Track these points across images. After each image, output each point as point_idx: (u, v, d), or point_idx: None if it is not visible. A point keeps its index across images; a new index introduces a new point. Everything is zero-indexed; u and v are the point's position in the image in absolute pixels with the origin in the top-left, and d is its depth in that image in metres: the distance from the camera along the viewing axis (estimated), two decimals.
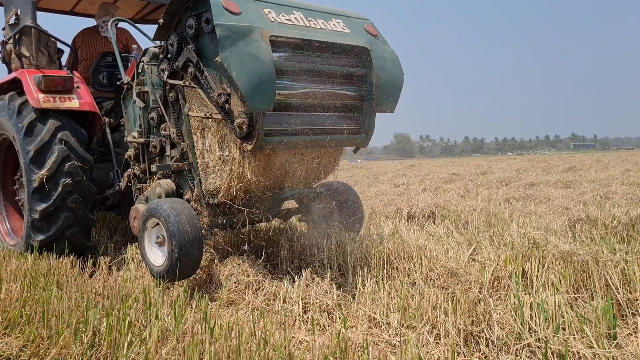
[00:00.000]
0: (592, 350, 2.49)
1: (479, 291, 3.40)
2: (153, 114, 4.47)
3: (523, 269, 3.67)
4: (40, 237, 4.86)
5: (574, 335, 2.70)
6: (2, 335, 3.07)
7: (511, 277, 3.55)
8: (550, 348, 2.55)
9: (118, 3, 6.25)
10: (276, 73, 3.54)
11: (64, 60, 6.08)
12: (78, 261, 4.85)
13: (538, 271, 3.60)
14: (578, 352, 2.50)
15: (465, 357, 2.72)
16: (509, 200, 8.82)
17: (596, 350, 2.49)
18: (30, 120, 4.85)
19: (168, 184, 4.33)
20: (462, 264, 3.88)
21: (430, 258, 3.89)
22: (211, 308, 3.53)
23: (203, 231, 4.02)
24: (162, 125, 4.42)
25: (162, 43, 4.21)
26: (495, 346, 2.74)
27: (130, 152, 4.80)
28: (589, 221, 5.60)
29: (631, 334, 2.81)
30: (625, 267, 3.40)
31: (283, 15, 3.89)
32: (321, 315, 3.38)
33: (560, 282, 3.43)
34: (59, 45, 5.74)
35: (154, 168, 4.50)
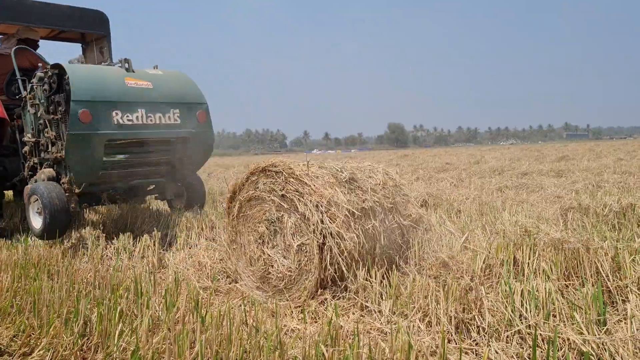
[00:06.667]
0: (582, 337, 2.49)
1: (470, 279, 3.40)
2: (41, 121, 5.86)
3: (514, 257, 3.68)
4: None
5: (564, 321, 2.71)
6: None
7: (502, 265, 3.56)
8: (540, 334, 2.56)
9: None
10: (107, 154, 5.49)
11: None
12: (69, 251, 4.84)
13: (529, 259, 3.61)
14: (568, 339, 2.51)
15: (456, 344, 2.72)
16: (502, 189, 8.84)
17: (586, 336, 2.50)
18: None
19: (50, 171, 5.79)
20: (454, 252, 3.89)
21: (422, 246, 3.90)
22: (202, 297, 3.53)
23: (73, 205, 5.57)
24: (46, 130, 5.77)
25: (48, 69, 5.67)
26: (486, 333, 2.75)
27: (27, 148, 6.21)
28: (580, 209, 5.62)
29: (621, 321, 2.81)
30: (616, 254, 3.41)
31: (127, 116, 5.53)
32: (312, 304, 3.38)
33: (551, 269, 3.44)
34: None
35: (40, 160, 6.02)
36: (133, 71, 5.95)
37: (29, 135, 6.09)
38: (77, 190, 5.56)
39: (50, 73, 5.61)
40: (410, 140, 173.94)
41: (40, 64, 6.74)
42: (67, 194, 5.53)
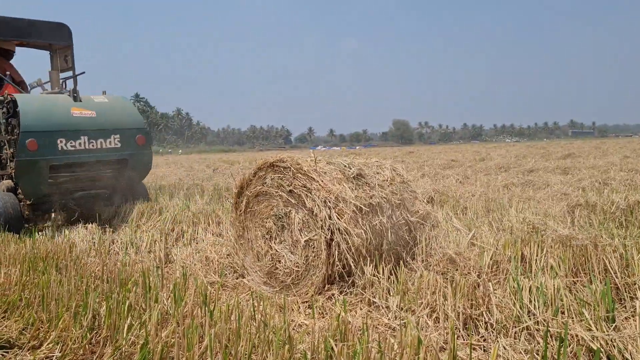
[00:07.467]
0: (591, 333, 2.49)
1: (477, 275, 3.40)
2: (1, 138, 6.64)
3: (522, 253, 3.67)
4: None
5: (572, 318, 2.71)
6: (2, 318, 3.07)
7: (510, 262, 3.55)
8: (549, 331, 2.56)
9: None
10: (52, 175, 6.40)
11: None
12: (69, 242, 4.85)
13: (537, 255, 3.60)
14: (577, 335, 2.51)
15: (464, 340, 2.72)
16: (508, 186, 8.82)
17: (595, 333, 2.49)
18: None
19: (9, 183, 6.62)
20: (461, 249, 3.88)
21: (429, 242, 3.90)
22: (210, 292, 3.54)
23: (27, 212, 6.51)
24: (5, 147, 6.64)
25: (6, 94, 6.57)
26: (494, 329, 2.75)
27: None
28: (587, 206, 5.60)
29: (629, 317, 2.81)
30: (624, 251, 3.40)
31: (71, 143, 6.47)
32: (320, 300, 3.39)
33: (559, 266, 3.44)
34: None
35: (1, 173, 6.85)
36: (80, 100, 6.88)
37: None
38: (28, 202, 6.50)
39: (8, 98, 6.45)
40: (415, 137, 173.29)
41: (8, 72, 7.83)
42: (21, 204, 6.50)
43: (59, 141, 6.40)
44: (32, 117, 6.31)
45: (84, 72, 7.97)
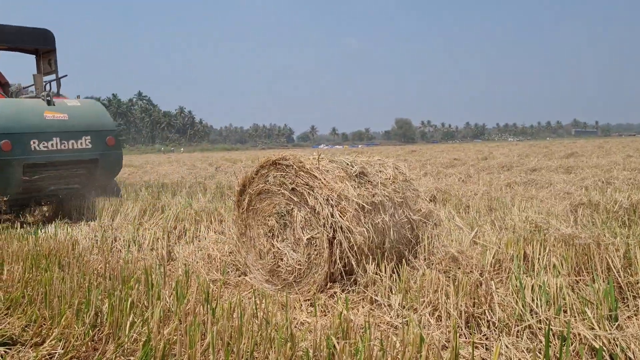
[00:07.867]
0: (594, 332, 2.49)
1: (480, 274, 3.39)
2: None
3: (524, 252, 3.67)
4: None
5: (575, 317, 2.70)
6: (5, 315, 3.08)
7: (512, 260, 3.55)
8: (551, 329, 2.55)
9: None
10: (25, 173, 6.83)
11: None
12: (72, 239, 4.86)
13: (539, 254, 3.59)
14: (579, 334, 2.51)
15: (466, 338, 2.72)
16: (511, 185, 8.81)
17: (597, 331, 2.49)
18: None
19: None
20: (463, 247, 3.88)
21: (431, 240, 3.89)
22: (213, 289, 3.54)
23: (4, 207, 6.87)
24: None
25: None
26: (496, 328, 2.74)
27: None
28: (590, 205, 5.59)
29: (632, 316, 2.81)
30: (627, 250, 3.39)
31: (43, 144, 6.94)
32: (322, 298, 3.39)
33: (562, 264, 3.43)
34: None
35: None
36: (53, 104, 7.32)
37: None
38: (4, 199, 6.86)
39: None
40: (417, 135, 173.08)
41: None
42: None
43: (32, 142, 6.88)
44: (6, 119, 6.78)
45: (66, 75, 8.41)
